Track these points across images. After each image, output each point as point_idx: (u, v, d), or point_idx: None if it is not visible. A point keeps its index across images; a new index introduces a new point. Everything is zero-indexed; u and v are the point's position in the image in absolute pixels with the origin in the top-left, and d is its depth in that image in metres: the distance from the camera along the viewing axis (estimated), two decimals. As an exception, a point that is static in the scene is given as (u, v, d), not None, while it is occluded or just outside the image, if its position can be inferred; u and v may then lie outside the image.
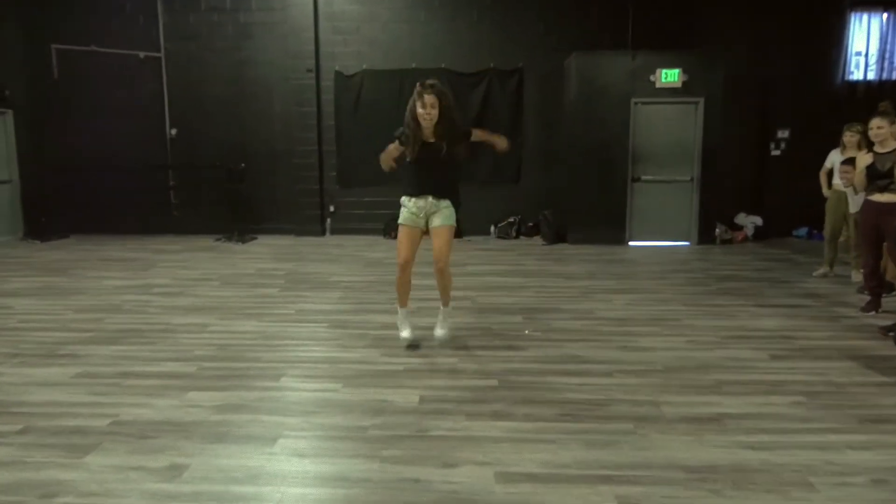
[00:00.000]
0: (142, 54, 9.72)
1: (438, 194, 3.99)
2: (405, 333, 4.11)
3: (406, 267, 4.00)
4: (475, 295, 5.66)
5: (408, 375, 3.60)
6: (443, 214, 3.99)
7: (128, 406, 3.15)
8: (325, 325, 4.70)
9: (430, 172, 3.95)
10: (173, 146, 9.95)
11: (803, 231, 9.42)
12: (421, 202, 3.98)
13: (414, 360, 3.86)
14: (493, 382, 3.47)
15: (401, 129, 3.96)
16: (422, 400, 3.22)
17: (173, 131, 9.92)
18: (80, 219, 9.92)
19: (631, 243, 8.85)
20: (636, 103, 8.62)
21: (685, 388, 3.40)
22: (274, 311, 5.13)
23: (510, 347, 4.11)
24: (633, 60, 8.55)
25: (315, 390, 3.38)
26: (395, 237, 4.32)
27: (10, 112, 9.65)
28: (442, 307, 4.23)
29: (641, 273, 6.76)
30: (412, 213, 4.00)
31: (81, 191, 9.86)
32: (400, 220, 4.05)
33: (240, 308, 5.21)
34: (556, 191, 9.40)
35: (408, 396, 3.26)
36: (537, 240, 9.34)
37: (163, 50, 9.75)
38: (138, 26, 9.68)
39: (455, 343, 4.21)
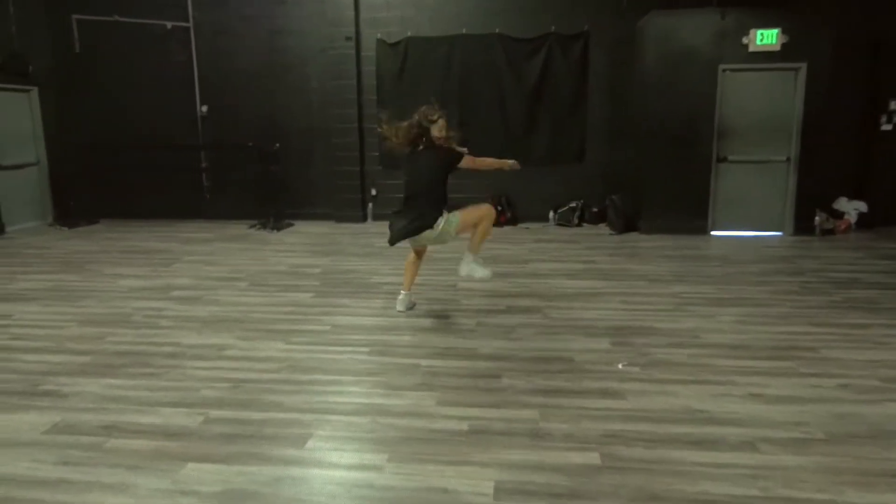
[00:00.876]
0: (169, 24, 8.93)
1: None
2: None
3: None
4: (544, 305, 4.69)
5: (474, 441, 2.68)
6: None
7: (101, 489, 2.34)
8: (366, 350, 3.82)
9: None
10: (204, 124, 9.20)
11: (916, 218, 8.09)
12: None
13: (479, 413, 2.94)
14: (594, 458, 2.53)
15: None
16: (498, 490, 2.30)
17: (204, 108, 9.16)
18: (111, 202, 9.33)
19: (713, 233, 7.71)
20: (724, 70, 7.37)
21: (868, 475, 2.39)
22: (305, 325, 4.29)
23: (604, 393, 3.15)
24: (721, 20, 7.28)
25: (351, 467, 2.50)
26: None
27: (35, 89, 9.03)
28: None
29: (739, 275, 5.65)
30: None
31: (110, 173, 9.27)
32: None
33: (265, 322, 4.39)
34: (625, 172, 8.28)
35: (478, 482, 2.36)
36: (603, 228, 8.27)
37: (191, 19, 8.94)
38: (164, -7, 8.89)
39: (530, 382, 3.28)
